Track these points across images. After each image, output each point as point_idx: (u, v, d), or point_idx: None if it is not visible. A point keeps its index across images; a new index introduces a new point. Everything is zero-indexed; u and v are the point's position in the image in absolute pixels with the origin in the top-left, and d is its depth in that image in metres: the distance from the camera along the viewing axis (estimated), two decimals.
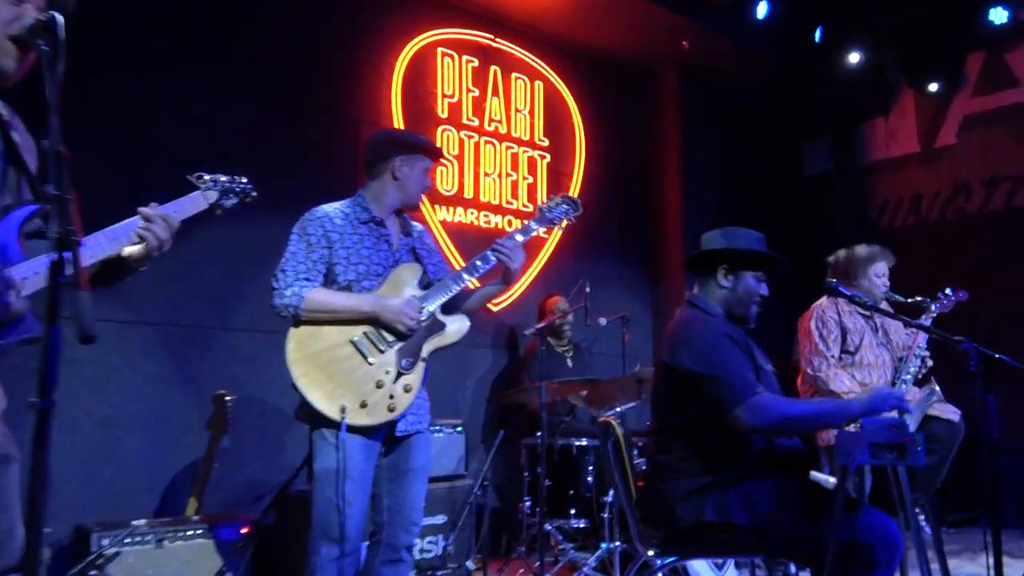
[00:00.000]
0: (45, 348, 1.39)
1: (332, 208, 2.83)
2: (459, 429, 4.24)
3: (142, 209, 1.85)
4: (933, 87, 6.49)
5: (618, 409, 4.11)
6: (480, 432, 5.12)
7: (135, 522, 3.02)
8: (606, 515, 3.87)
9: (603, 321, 4.71)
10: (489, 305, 5.24)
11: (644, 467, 2.85)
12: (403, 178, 2.86)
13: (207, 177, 2.11)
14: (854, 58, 6.32)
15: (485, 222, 5.43)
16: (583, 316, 4.48)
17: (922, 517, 3.98)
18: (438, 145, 5.18)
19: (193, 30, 4.18)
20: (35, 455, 1.35)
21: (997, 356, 2.36)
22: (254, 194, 2.21)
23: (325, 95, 4.68)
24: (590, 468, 4.19)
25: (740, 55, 6.16)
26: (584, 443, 4.21)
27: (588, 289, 4.35)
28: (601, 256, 6.04)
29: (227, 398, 3.52)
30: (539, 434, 3.93)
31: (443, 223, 5.21)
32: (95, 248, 1.77)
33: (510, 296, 5.41)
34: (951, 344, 2.45)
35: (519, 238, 2.88)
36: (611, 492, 3.99)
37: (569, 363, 5.03)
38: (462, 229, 5.28)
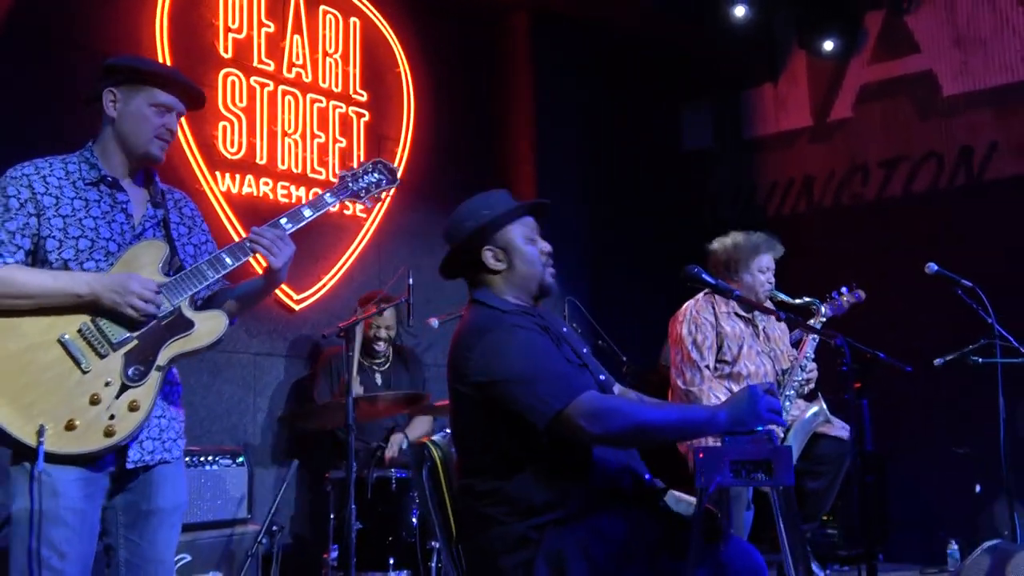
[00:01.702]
0: None
1: (49, 162, 2.65)
2: (240, 460, 4.11)
3: None
4: (828, 45, 6.91)
5: (447, 431, 4.10)
6: (270, 464, 4.98)
7: None
8: (433, 564, 3.84)
9: (435, 323, 4.65)
10: (290, 303, 5.13)
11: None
12: (119, 117, 2.69)
13: None
14: (739, 11, 6.63)
15: (284, 195, 5.29)
16: (406, 315, 4.41)
17: (810, 551, 4.21)
18: (220, 95, 5.03)
19: None
20: None
21: (872, 353, 2.50)
22: None
23: (61, 22, 4.44)
24: (414, 508, 4.16)
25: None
26: (406, 476, 4.17)
27: (411, 281, 4.30)
28: (434, 242, 5.99)
29: None
30: (345, 464, 3.85)
31: (227, 195, 5.02)
32: None
33: (316, 292, 5.30)
34: (826, 339, 2.58)
35: (285, 224, 2.75)
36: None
37: (378, 379, 4.97)
38: (253, 204, 5.11)
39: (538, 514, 2.36)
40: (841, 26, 6.94)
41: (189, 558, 3.60)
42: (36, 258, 2.57)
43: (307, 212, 2.84)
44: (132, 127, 2.69)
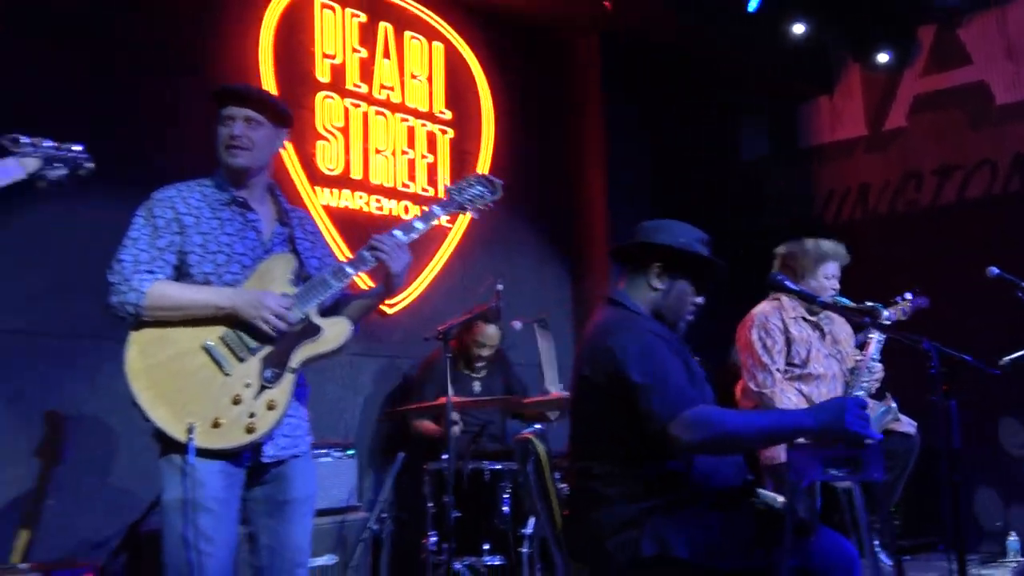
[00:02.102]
0: None
1: (188, 186, 2.76)
2: (350, 453, 4.20)
3: None
4: (882, 58, 6.82)
5: (538, 426, 4.14)
6: (375, 456, 5.06)
7: None
8: (525, 550, 3.88)
9: (518, 325, 4.72)
10: (383, 307, 5.21)
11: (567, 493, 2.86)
12: (216, 136, 2.78)
13: (25, 140, 2.05)
14: (798, 29, 6.59)
15: (377, 208, 5.38)
16: (495, 319, 4.49)
17: (877, 542, 4.17)
18: (318, 116, 5.13)
19: None
20: None
21: (960, 357, 2.48)
22: (89, 165, 2.17)
23: (179, 53, 4.55)
24: (506, 496, 4.20)
25: (671, 18, 6.31)
26: (499, 467, 4.21)
27: (500, 287, 4.36)
28: (513, 249, 6.08)
29: (62, 420, 3.37)
30: (445, 457, 3.92)
31: (326, 208, 5.13)
32: None
33: (407, 297, 5.37)
34: (910, 344, 2.56)
35: (399, 235, 2.81)
36: (530, 523, 4.02)
37: (476, 387, 5.02)
38: (350, 216, 5.21)
39: (648, 498, 2.42)
40: (895, 39, 6.85)
41: None
42: (180, 272, 2.67)
43: (419, 225, 2.88)
44: (217, 143, 2.78)
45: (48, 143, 2.08)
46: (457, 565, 4.02)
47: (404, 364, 5.37)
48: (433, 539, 4.15)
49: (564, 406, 4.34)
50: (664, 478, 2.45)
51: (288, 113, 2.91)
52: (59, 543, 3.67)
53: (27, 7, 4.03)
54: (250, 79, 4.83)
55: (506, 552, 4.16)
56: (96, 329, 3.83)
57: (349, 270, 2.75)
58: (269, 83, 4.94)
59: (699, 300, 2.72)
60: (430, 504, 4.20)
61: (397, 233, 2.82)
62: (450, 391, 3.89)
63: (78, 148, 2.14)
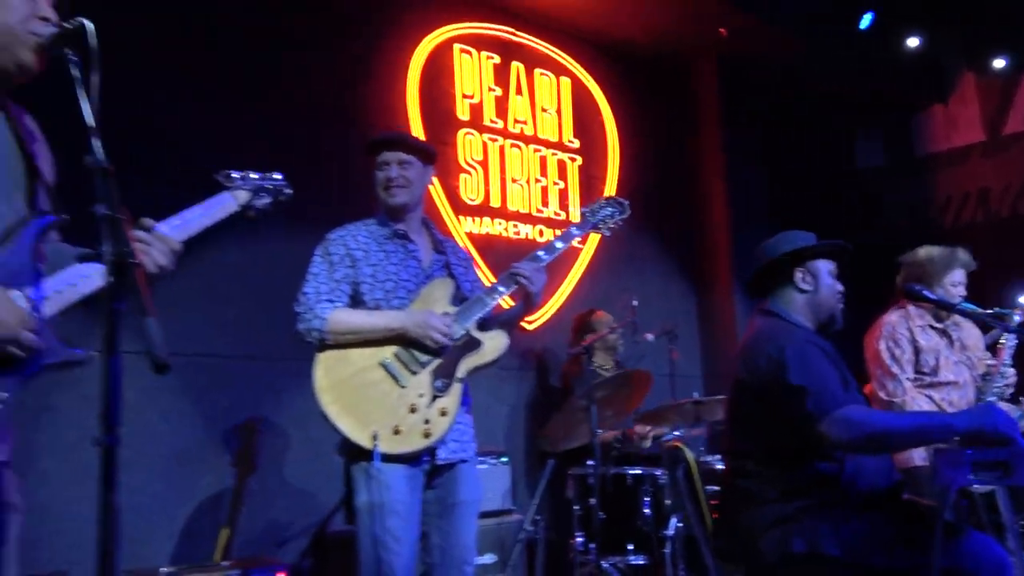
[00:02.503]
0: (106, 381, 1.42)
1: (355, 226, 2.93)
2: (504, 459, 4.26)
3: (140, 233, 1.81)
4: (999, 64, 6.51)
5: (676, 432, 4.13)
6: (524, 463, 5.14)
7: (163, 569, 3.06)
8: (667, 550, 3.86)
9: (650, 337, 4.74)
10: (524, 323, 5.29)
11: (718, 494, 2.86)
12: (375, 180, 2.95)
13: (236, 175, 2.13)
14: (912, 43, 6.36)
15: (515, 233, 5.48)
16: (630, 333, 4.50)
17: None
18: (460, 151, 5.27)
19: (208, 35, 4.28)
20: (104, 496, 1.39)
21: None
22: (288, 191, 2.24)
23: (340, 101, 4.76)
24: (647, 499, 4.19)
25: (785, 40, 6.21)
26: (639, 472, 4.21)
27: (635, 303, 4.38)
28: (640, 267, 6.07)
29: (255, 432, 3.56)
30: (589, 463, 3.94)
31: (469, 235, 5.25)
32: (93, 278, 1.74)
33: (544, 314, 5.45)
34: None
35: (543, 256, 2.91)
36: (672, 525, 4.00)
37: None
38: (490, 241, 5.33)
39: (800, 498, 2.41)
40: (1011, 45, 6.52)
41: None
42: (355, 300, 2.83)
43: (559, 244, 3.00)
44: (375, 185, 2.95)
45: (255, 175, 2.16)
46: (604, 564, 4.03)
47: (540, 377, 5.44)
48: (580, 539, 4.18)
49: (695, 413, 4.30)
50: (816, 478, 2.43)
51: (433, 152, 3.07)
52: (254, 542, 3.87)
53: (220, 73, 4.30)
54: (400, 122, 5.04)
55: (649, 552, 4.15)
56: (278, 351, 4.06)
57: (501, 289, 2.87)
58: (416, 124, 5.11)
59: (841, 287, 2.73)
60: (576, 507, 4.23)
61: (540, 253, 2.93)
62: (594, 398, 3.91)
63: (278, 177, 2.22)
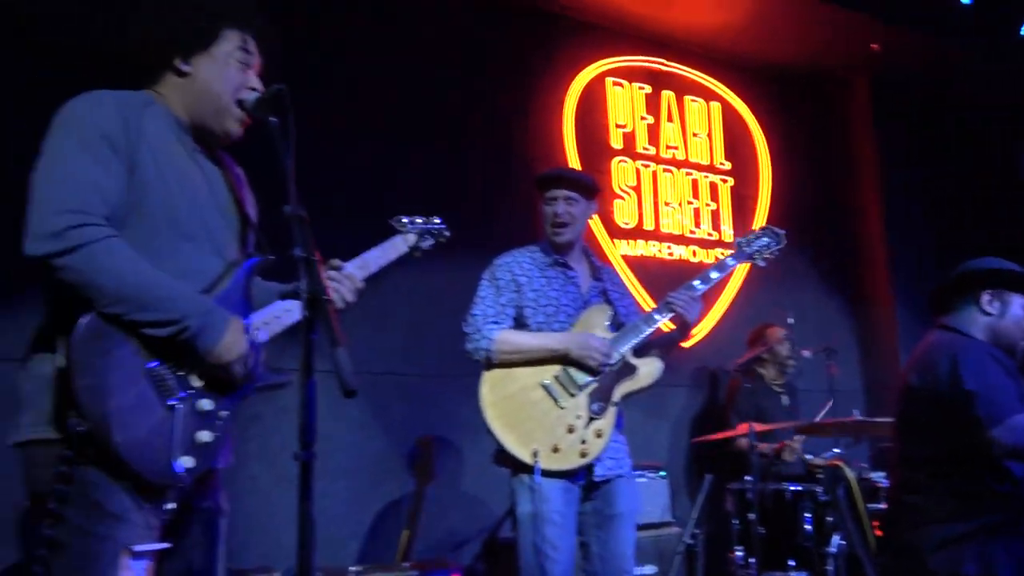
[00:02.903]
0: (304, 402, 1.54)
1: (519, 253, 3.00)
2: (662, 474, 4.20)
3: (331, 272, 1.98)
4: None
5: (836, 451, 3.94)
6: (683, 477, 5.05)
7: (352, 568, 3.22)
8: (830, 567, 3.67)
9: (808, 354, 4.57)
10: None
11: (882, 511, 2.70)
12: (542, 214, 3.00)
13: (405, 220, 2.29)
14: None
15: (668, 254, 5.41)
16: (788, 350, 4.35)
17: None
18: (614, 178, 5.28)
19: (372, 85, 4.50)
20: (301, 505, 1.50)
21: None
22: (447, 234, 2.38)
23: (500, 137, 4.87)
24: (807, 515, 4.01)
25: (939, 52, 5.83)
26: (799, 488, 4.04)
27: (791, 321, 4.22)
28: (796, 285, 5.84)
29: (431, 444, 3.68)
30: (748, 478, 3.82)
31: (624, 257, 5.24)
32: (292, 312, 1.91)
33: (701, 331, 5.34)
34: None
35: (697, 285, 2.87)
36: (834, 542, 3.80)
37: (784, 401, 4.86)
38: (644, 263, 5.29)
39: (972, 518, 2.27)
40: None
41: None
42: (519, 323, 2.90)
43: (714, 275, 2.95)
44: (543, 219, 3.00)
45: (420, 219, 2.31)
46: None
47: (701, 393, 5.32)
48: (740, 553, 4.05)
49: (858, 430, 4.08)
50: (989, 498, 2.28)
51: (597, 187, 3.10)
52: (425, 547, 3.99)
53: (390, 120, 4.51)
54: (557, 153, 5.10)
55: (811, 568, 3.96)
56: (444, 369, 4.19)
57: (657, 317, 2.86)
58: (572, 154, 5.16)
59: None
60: (735, 521, 4.11)
61: (695, 283, 2.90)
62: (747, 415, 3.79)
63: (437, 221, 2.35)
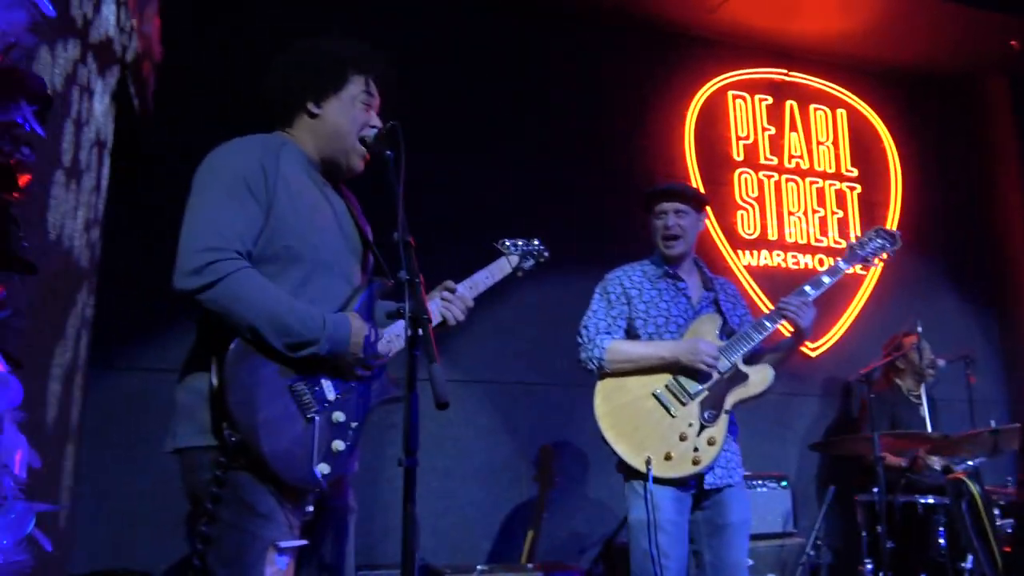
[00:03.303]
0: (407, 413, 1.60)
1: (631, 267, 2.99)
2: (784, 484, 4.03)
3: (445, 293, 2.07)
4: None
5: (970, 463, 3.63)
6: (808, 487, 4.82)
7: (480, 567, 3.29)
8: None
9: (942, 363, 4.25)
10: (807, 350, 4.99)
11: (1010, 529, 2.47)
12: (652, 227, 2.96)
13: (508, 242, 2.35)
14: None
15: (793, 263, 5.19)
16: (919, 359, 4.07)
17: None
18: (736, 189, 5.12)
19: (494, 106, 4.59)
20: (405, 509, 1.56)
21: None
22: (546, 255, 2.41)
23: (620, 155, 4.84)
24: (941, 529, 3.72)
25: None
26: (931, 501, 3.76)
27: (920, 329, 3.95)
28: (931, 291, 5.45)
29: (552, 451, 3.71)
30: (875, 490, 3.60)
31: (748, 268, 5.07)
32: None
33: (828, 340, 5.09)
34: None
35: (809, 291, 2.77)
36: (970, 559, 3.52)
37: (923, 412, 4.54)
38: (768, 272, 5.09)
39: None
40: None
41: (752, 562, 3.62)
42: (629, 334, 2.88)
43: (826, 279, 2.84)
44: (653, 233, 2.97)
45: (521, 241, 2.36)
46: None
47: (828, 402, 5.06)
48: (869, 567, 3.81)
49: (993, 442, 3.75)
50: None
51: (705, 199, 3.04)
52: (548, 549, 3.99)
53: (528, 138, 4.60)
54: (679, 168, 5.02)
55: None
56: (567, 378, 4.19)
57: (768, 324, 2.79)
58: (693, 168, 5.05)
59: None
60: (864, 534, 3.87)
61: (807, 288, 2.80)
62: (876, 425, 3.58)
63: (537, 242, 2.39)
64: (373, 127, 1.99)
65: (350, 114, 1.97)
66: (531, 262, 2.37)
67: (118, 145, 2.96)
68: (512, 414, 4.27)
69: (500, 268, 2.28)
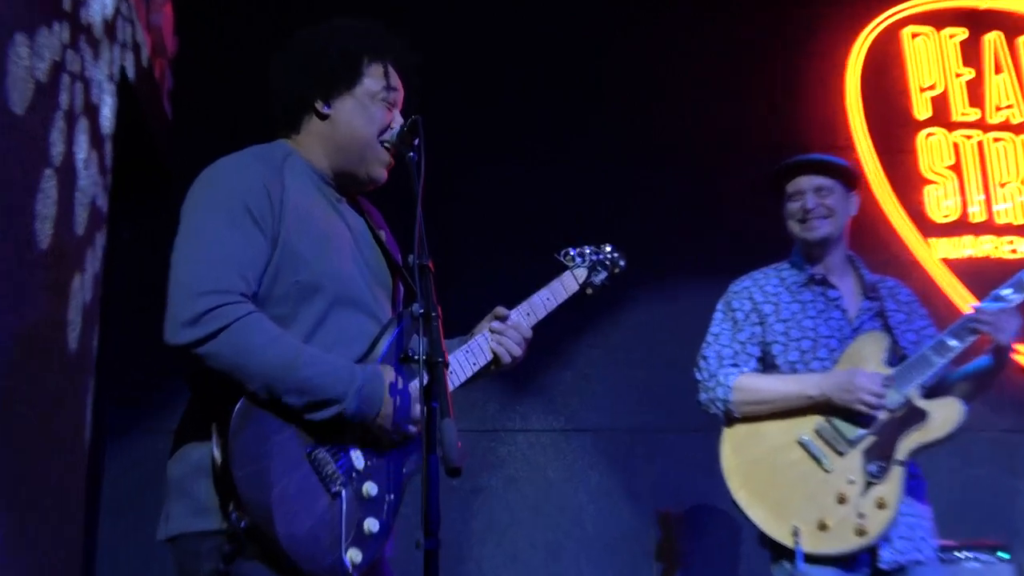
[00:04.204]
0: (425, 481, 1.57)
1: (764, 274, 2.91)
2: (1003, 556, 3.73)
3: (496, 323, 2.07)
4: None
5: None
6: None
7: None
8: None
9: None
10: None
11: None
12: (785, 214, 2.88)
13: (573, 252, 2.33)
14: None
15: (1010, 251, 4.82)
16: None
17: None
18: (922, 158, 4.93)
19: (565, 87, 4.62)
20: None
21: None
22: (622, 264, 2.38)
23: (750, 129, 4.74)
24: None
25: None
26: None
27: None
28: None
29: (681, 519, 3.61)
30: None
31: (945, 262, 4.75)
32: (458, 369, 2.00)
33: None
34: None
35: (1009, 295, 2.66)
36: None
37: None
38: (974, 266, 4.74)
39: None
40: None
41: None
42: (764, 363, 2.80)
43: None
44: (787, 220, 2.90)
45: (588, 250, 2.34)
46: None
47: None
48: None
49: None
50: None
51: (857, 173, 2.95)
52: None
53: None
54: (840, 137, 4.87)
55: None
56: (703, 422, 4.05)
57: (954, 343, 2.65)
58: (861, 134, 4.88)
59: None
60: None
61: (1006, 291, 2.68)
62: None
63: (609, 249, 2.37)
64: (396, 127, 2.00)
65: (367, 113, 1.99)
66: (603, 275, 2.34)
67: (133, 160, 3.14)
68: (631, 470, 4.23)
69: (564, 286, 2.25)
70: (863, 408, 2.57)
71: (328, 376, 1.76)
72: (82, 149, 2.54)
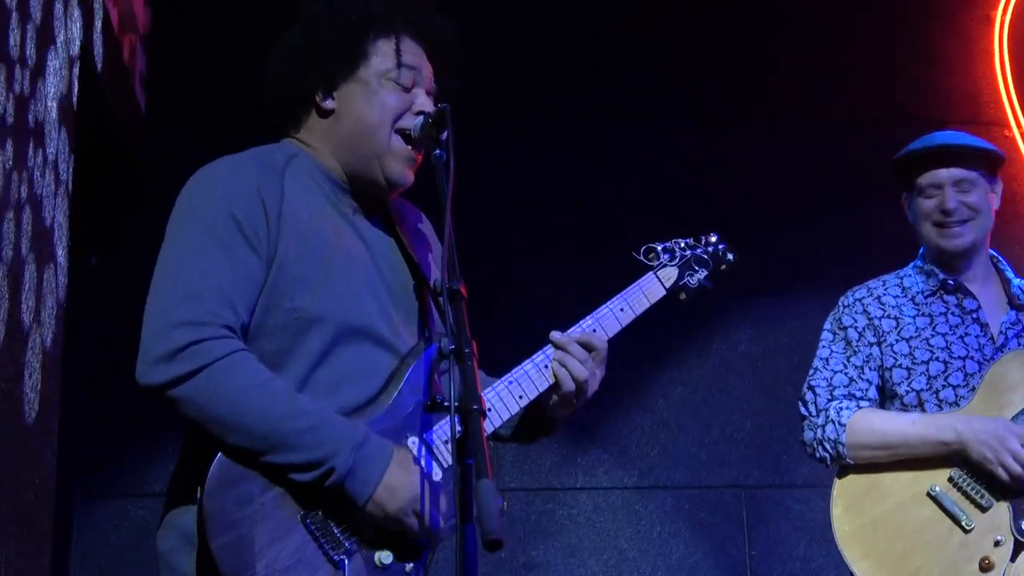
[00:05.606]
0: (461, 558, 1.63)
1: (882, 282, 2.94)
2: None
3: (553, 335, 2.08)
4: None
5: None
6: None
7: None
8: None
9: None
10: None
11: None
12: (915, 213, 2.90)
13: (660, 248, 2.30)
14: None
15: None
16: None
17: None
18: None
19: (641, 56, 4.74)
20: None
21: None
22: (730, 257, 2.37)
23: (874, 102, 4.83)
24: None
25: None
26: None
27: None
28: None
29: None
30: None
31: None
32: (499, 406, 2.02)
33: None
34: None
35: None
36: None
37: None
38: None
39: None
40: None
41: None
42: (884, 392, 2.83)
43: None
44: (917, 221, 2.94)
45: (683, 243, 2.32)
46: None
47: None
48: None
49: None
50: None
51: (1001, 156, 2.94)
52: None
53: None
54: (985, 108, 4.94)
55: None
56: (813, 476, 4.10)
57: None
58: (1013, 107, 4.92)
59: None
60: None
61: None
62: None
63: (714, 240, 2.36)
64: (420, 113, 2.05)
65: (376, 98, 2.04)
66: (702, 273, 2.33)
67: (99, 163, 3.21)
68: (721, 536, 4.25)
69: (646, 292, 2.25)
70: (1003, 475, 2.58)
71: (315, 433, 1.81)
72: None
